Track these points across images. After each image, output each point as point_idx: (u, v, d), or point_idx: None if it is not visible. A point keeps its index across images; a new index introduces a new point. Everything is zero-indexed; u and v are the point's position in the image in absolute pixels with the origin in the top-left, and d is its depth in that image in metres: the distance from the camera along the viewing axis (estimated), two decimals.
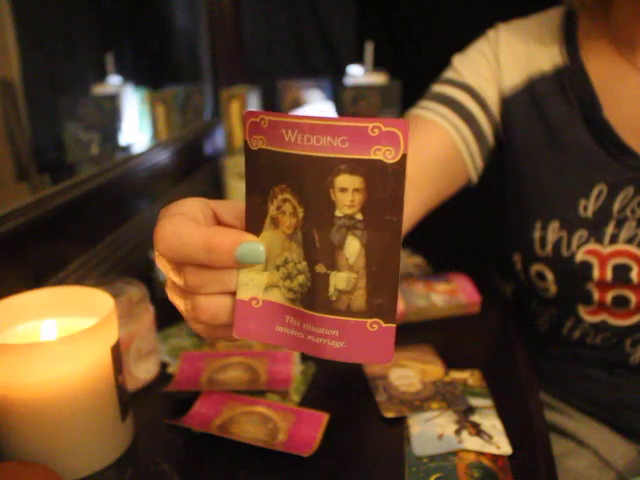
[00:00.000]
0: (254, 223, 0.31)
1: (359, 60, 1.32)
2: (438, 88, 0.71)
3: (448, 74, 0.72)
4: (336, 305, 0.30)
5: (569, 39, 0.67)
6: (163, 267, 0.33)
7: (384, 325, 0.29)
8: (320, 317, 0.30)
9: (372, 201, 0.28)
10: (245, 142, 0.30)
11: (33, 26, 0.78)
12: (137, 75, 1.13)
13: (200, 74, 1.40)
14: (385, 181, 0.28)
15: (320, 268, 0.30)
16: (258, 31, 1.58)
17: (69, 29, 0.92)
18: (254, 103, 1.33)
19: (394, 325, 0.30)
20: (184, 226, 0.30)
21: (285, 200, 0.30)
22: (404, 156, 0.27)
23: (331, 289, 0.30)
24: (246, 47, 1.50)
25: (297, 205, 0.30)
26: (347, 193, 0.28)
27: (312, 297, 0.30)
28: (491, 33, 0.72)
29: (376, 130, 0.27)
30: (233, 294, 0.32)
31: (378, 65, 1.29)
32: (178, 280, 0.32)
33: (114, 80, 1.05)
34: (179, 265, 0.31)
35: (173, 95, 1.20)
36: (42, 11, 0.83)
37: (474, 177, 0.72)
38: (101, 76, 1.03)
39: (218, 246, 0.30)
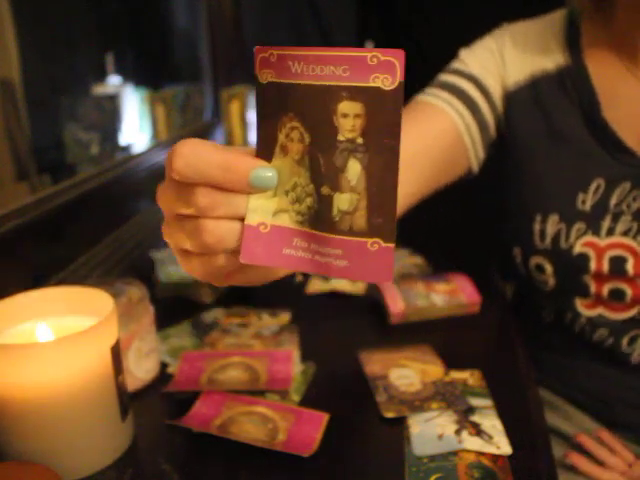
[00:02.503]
0: (265, 152, 0.33)
1: None
2: (444, 77, 0.73)
3: (455, 65, 0.73)
4: (339, 225, 0.31)
5: (572, 43, 0.69)
6: (166, 199, 0.33)
7: (384, 245, 0.31)
8: (325, 237, 0.32)
9: (371, 126, 0.30)
10: (255, 76, 0.32)
11: (33, 26, 0.78)
12: (137, 75, 1.13)
13: (200, 74, 1.40)
14: (383, 107, 0.29)
15: (325, 190, 0.31)
16: (258, 31, 1.58)
17: (69, 29, 0.92)
18: (254, 103, 1.33)
19: (393, 245, 0.31)
20: (203, 145, 0.31)
21: (293, 128, 0.32)
22: (401, 83, 0.29)
23: (335, 210, 0.31)
24: (246, 47, 1.50)
25: (304, 131, 0.31)
26: (348, 118, 0.30)
27: (318, 218, 0.32)
28: (497, 31, 0.73)
29: (374, 59, 0.29)
30: (241, 220, 0.33)
31: None
32: (183, 206, 0.32)
33: (114, 80, 1.05)
34: (190, 187, 0.31)
35: (173, 95, 1.20)
36: (42, 11, 0.83)
37: (475, 166, 0.72)
38: (101, 76, 1.04)
39: (236, 166, 0.31)
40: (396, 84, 0.29)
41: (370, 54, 0.29)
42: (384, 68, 0.29)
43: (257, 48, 0.31)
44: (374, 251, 0.31)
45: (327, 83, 0.30)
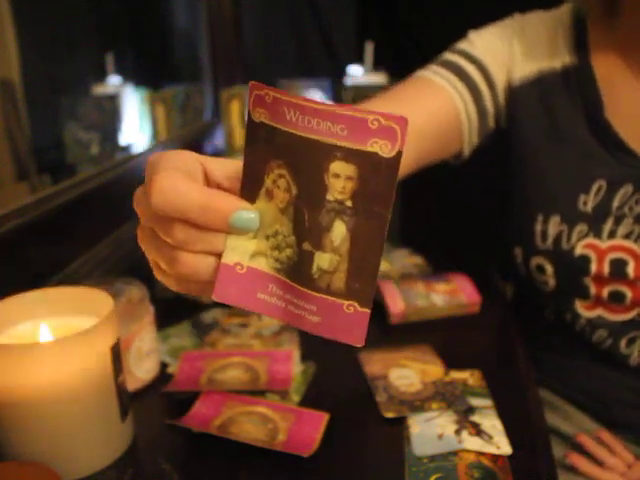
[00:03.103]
0: (249, 191, 0.32)
1: (359, 60, 1.32)
2: (449, 56, 0.72)
3: (461, 45, 0.72)
4: (317, 283, 0.31)
5: (579, 43, 0.68)
6: (143, 212, 0.32)
7: (359, 309, 0.30)
8: (301, 290, 0.31)
9: (363, 191, 0.29)
10: (248, 112, 0.31)
11: (33, 26, 0.77)
12: (137, 75, 1.13)
13: (200, 74, 1.40)
14: (378, 174, 0.28)
15: (307, 246, 0.31)
16: (258, 31, 1.58)
17: (69, 29, 0.92)
18: None
19: (369, 310, 0.31)
20: (184, 182, 0.30)
21: (281, 175, 0.31)
22: (399, 152, 0.28)
23: (314, 267, 0.31)
24: (246, 47, 1.50)
25: (291, 182, 0.30)
26: (340, 179, 0.29)
27: (296, 271, 0.31)
28: (508, 21, 0.73)
29: (375, 123, 0.28)
30: (218, 255, 0.32)
31: (378, 65, 1.29)
32: (160, 232, 0.32)
33: (114, 80, 1.05)
34: (168, 220, 0.31)
35: (173, 95, 1.20)
36: (42, 11, 0.83)
37: (466, 150, 0.72)
38: (101, 76, 1.04)
39: (216, 206, 0.30)
40: (394, 152, 0.28)
41: (372, 117, 0.28)
42: (385, 134, 0.28)
43: (252, 84, 0.30)
44: (349, 313, 0.31)
45: (322, 139, 0.29)
